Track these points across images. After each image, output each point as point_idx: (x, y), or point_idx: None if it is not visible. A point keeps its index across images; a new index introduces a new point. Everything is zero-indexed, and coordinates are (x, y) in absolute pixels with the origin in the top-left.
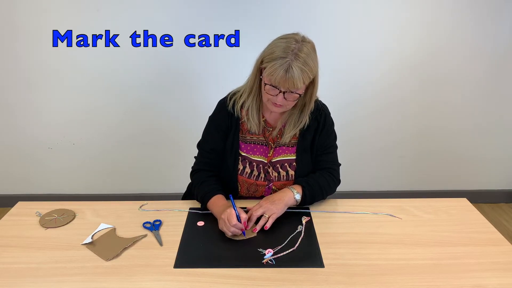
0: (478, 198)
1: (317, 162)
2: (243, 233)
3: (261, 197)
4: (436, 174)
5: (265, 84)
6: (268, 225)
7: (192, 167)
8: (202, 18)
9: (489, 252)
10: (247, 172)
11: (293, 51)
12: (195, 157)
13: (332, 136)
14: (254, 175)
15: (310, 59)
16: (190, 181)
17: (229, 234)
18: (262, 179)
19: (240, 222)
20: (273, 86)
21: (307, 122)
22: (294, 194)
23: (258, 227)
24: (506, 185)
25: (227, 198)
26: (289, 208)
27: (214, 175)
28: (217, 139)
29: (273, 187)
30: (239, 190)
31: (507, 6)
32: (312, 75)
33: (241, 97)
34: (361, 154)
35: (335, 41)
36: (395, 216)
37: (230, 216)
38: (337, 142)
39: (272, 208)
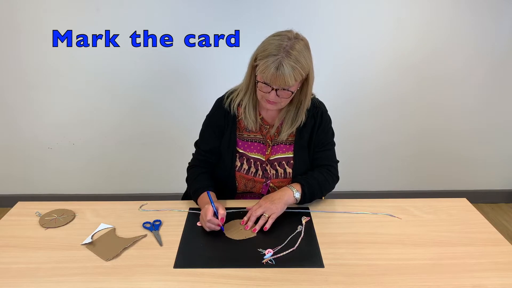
0: (478, 198)
1: (315, 159)
2: (222, 229)
3: (259, 194)
4: (436, 174)
5: (258, 81)
6: (267, 226)
7: (189, 163)
8: (202, 18)
9: (489, 252)
10: (244, 168)
11: (284, 49)
12: (192, 154)
13: (329, 133)
14: (252, 171)
15: (302, 56)
16: None
17: (206, 229)
18: (260, 176)
19: (218, 218)
20: (266, 84)
21: (303, 119)
22: (294, 193)
23: (257, 227)
24: (506, 185)
25: (217, 194)
26: (289, 208)
27: (208, 171)
28: (212, 139)
29: (271, 184)
30: (237, 186)
31: (507, 6)
32: (305, 72)
33: (238, 95)
34: (360, 153)
35: (335, 40)
36: (394, 216)
37: (206, 211)
38: (336, 141)
39: (272, 207)
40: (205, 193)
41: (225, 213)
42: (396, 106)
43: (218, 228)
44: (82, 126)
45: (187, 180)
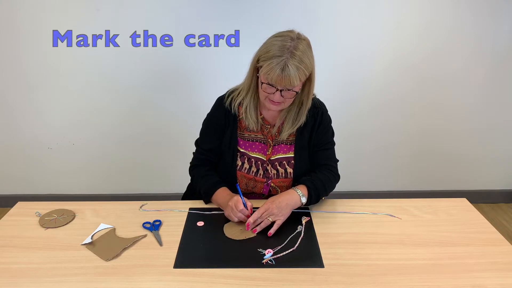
0: (478, 198)
1: (314, 158)
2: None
3: (260, 194)
4: (436, 174)
5: (262, 82)
6: (272, 231)
7: (191, 163)
8: (202, 18)
9: (489, 252)
10: (245, 168)
11: (288, 49)
12: (193, 153)
13: (329, 132)
14: (253, 171)
15: (305, 56)
16: (190, 181)
17: (235, 219)
18: (261, 176)
19: (247, 209)
20: (270, 85)
21: (304, 120)
22: (300, 197)
23: (258, 228)
24: (506, 185)
25: (231, 190)
26: None
27: (212, 169)
28: (213, 138)
29: (272, 184)
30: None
31: (507, 6)
32: (308, 72)
33: (239, 95)
34: (360, 153)
35: (335, 40)
36: (394, 216)
37: (237, 202)
38: (336, 141)
39: (279, 214)
40: (222, 188)
41: (252, 205)
42: (396, 106)
43: (247, 218)
44: (82, 126)
45: (194, 179)
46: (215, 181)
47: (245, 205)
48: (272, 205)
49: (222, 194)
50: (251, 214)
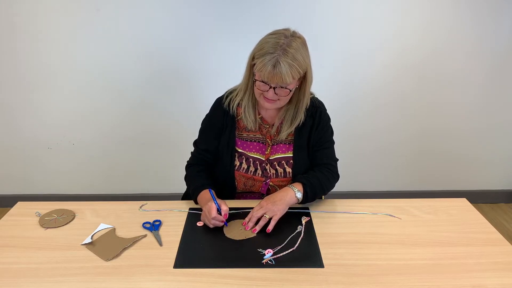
0: (478, 198)
1: (314, 158)
2: (225, 224)
3: (258, 193)
4: (436, 174)
5: (256, 80)
6: (270, 228)
7: (187, 161)
8: (202, 18)
9: (489, 252)
10: (243, 167)
11: (281, 47)
12: (191, 152)
13: (328, 131)
14: (251, 171)
15: (299, 54)
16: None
17: (210, 226)
18: (259, 175)
19: (221, 214)
20: (263, 82)
21: (302, 119)
22: (296, 193)
23: (258, 228)
24: (506, 185)
25: (217, 193)
26: (289, 208)
27: (206, 170)
28: (211, 138)
29: (270, 183)
30: (236, 185)
31: (507, 6)
32: (302, 70)
33: (237, 95)
34: (360, 153)
35: (335, 40)
36: (394, 216)
37: (210, 208)
38: (336, 141)
39: (274, 209)
40: (205, 190)
41: (228, 209)
42: (396, 106)
43: (222, 224)
44: (82, 126)
45: (186, 178)
46: (202, 183)
47: (219, 210)
48: (267, 202)
49: (204, 197)
50: (226, 219)
